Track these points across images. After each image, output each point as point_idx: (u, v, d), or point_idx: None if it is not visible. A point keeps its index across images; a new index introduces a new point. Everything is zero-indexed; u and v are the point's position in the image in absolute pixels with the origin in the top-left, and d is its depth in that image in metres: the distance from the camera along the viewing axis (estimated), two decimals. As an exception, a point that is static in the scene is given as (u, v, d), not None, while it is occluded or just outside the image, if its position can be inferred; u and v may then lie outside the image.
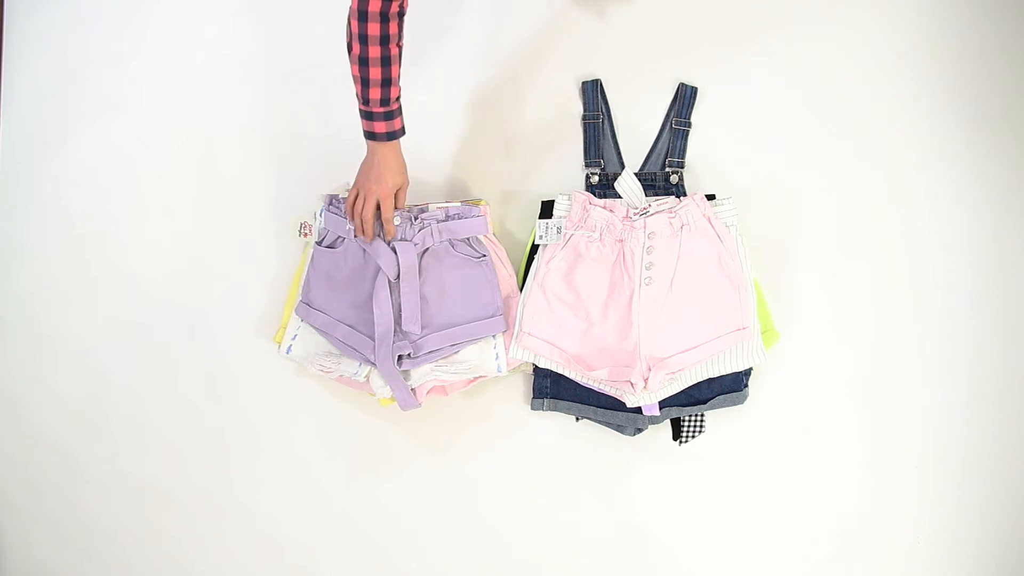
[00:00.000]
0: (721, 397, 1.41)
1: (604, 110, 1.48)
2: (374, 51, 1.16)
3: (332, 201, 1.44)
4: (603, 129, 1.48)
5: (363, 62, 1.18)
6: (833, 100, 1.47)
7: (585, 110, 1.49)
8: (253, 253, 1.58)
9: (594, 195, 1.45)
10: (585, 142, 1.48)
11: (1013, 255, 1.44)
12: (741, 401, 1.42)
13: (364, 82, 1.20)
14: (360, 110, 1.24)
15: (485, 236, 1.43)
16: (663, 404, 1.40)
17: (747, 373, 1.42)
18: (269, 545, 1.60)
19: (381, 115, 1.23)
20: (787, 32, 1.48)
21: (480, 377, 1.44)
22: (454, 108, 1.53)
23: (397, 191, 1.32)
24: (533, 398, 1.46)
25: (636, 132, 1.49)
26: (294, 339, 1.49)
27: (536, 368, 1.46)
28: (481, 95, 1.51)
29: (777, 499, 1.49)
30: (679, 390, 1.38)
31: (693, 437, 1.45)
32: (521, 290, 1.44)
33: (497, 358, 1.42)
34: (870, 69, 1.47)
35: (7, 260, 1.67)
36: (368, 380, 1.41)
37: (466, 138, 1.52)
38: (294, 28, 1.57)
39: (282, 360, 1.54)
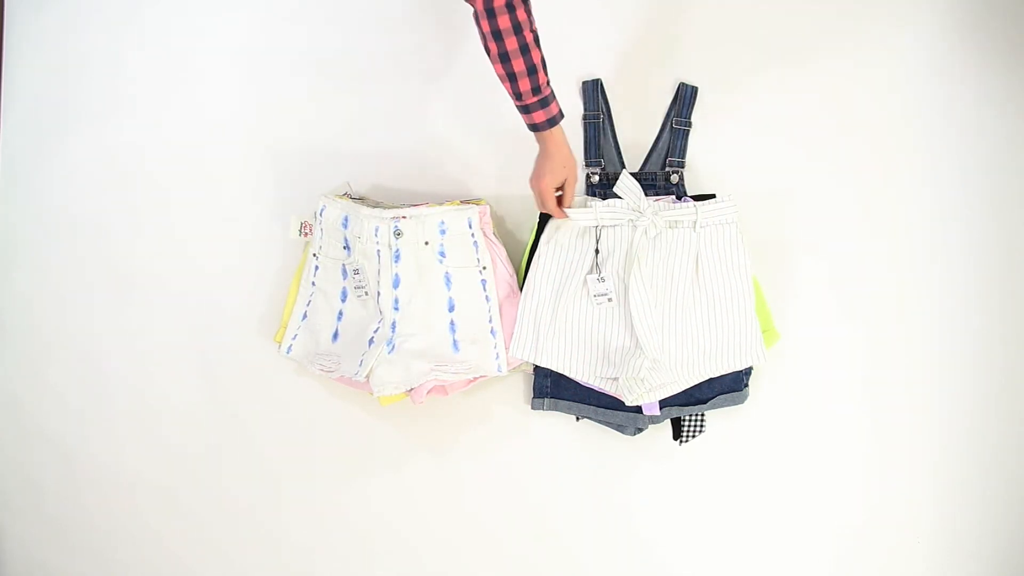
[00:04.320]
0: (721, 397, 1.41)
1: (604, 110, 1.48)
2: (511, 43, 1.16)
3: None
4: (603, 129, 1.48)
5: (504, 58, 1.17)
6: (833, 99, 1.47)
7: (585, 110, 1.49)
8: (253, 253, 1.58)
9: (594, 195, 1.46)
10: (585, 142, 1.48)
11: (1014, 254, 1.44)
12: (741, 401, 1.42)
13: (511, 77, 1.19)
14: (517, 107, 1.24)
15: (485, 236, 1.43)
16: (663, 404, 1.40)
17: (747, 373, 1.42)
18: (268, 545, 1.60)
19: (537, 104, 1.22)
20: (787, 32, 1.48)
21: (480, 377, 1.44)
22: (454, 108, 1.53)
23: (563, 185, 1.33)
24: (533, 398, 1.46)
25: (636, 132, 1.49)
26: (294, 339, 1.49)
27: (536, 368, 1.45)
28: (481, 95, 1.51)
29: (777, 499, 1.49)
30: (679, 390, 1.38)
31: (693, 437, 1.45)
32: (521, 290, 1.44)
33: (497, 358, 1.42)
34: (870, 68, 1.46)
35: (7, 260, 1.67)
36: (368, 380, 1.41)
37: (466, 138, 1.52)
38: (294, 28, 1.57)
39: (282, 360, 1.54)
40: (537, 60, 1.19)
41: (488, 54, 1.20)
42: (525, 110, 1.24)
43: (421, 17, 1.53)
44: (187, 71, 1.61)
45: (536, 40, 1.19)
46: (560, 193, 1.35)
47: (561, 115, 1.26)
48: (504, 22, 1.14)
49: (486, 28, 1.16)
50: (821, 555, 1.49)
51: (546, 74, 1.22)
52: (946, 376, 1.45)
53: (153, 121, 1.61)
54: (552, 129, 1.26)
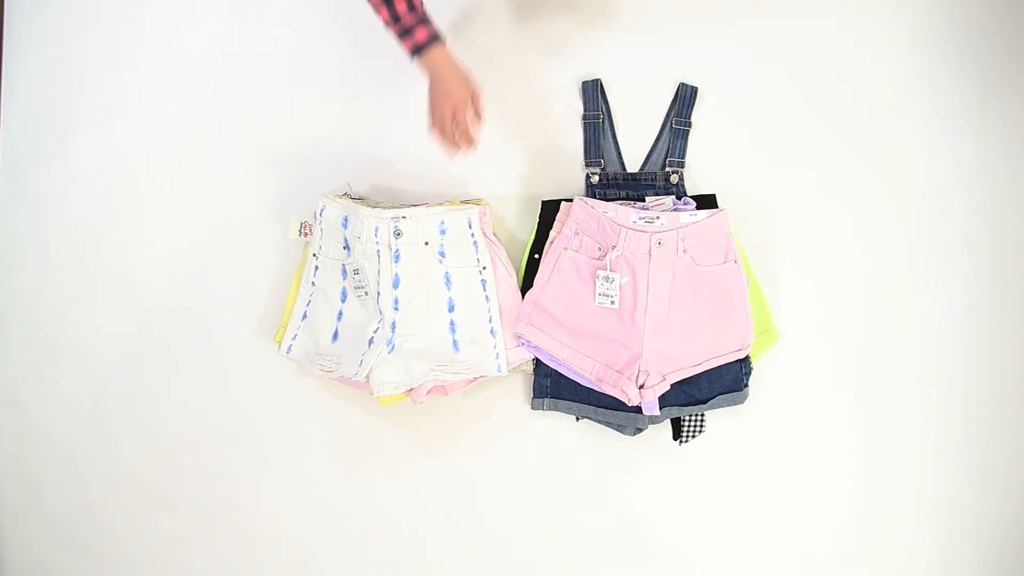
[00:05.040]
0: (721, 397, 1.41)
1: (604, 110, 1.48)
2: None
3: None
4: (603, 129, 1.48)
5: None
6: (833, 100, 1.47)
7: (585, 110, 1.49)
8: (253, 253, 1.58)
9: (594, 195, 1.46)
10: (585, 142, 1.48)
11: (1007, 254, 1.44)
12: (741, 401, 1.42)
13: (388, 0, 1.17)
14: (395, 36, 1.21)
15: (485, 236, 1.43)
16: (663, 404, 1.40)
17: (747, 373, 1.42)
18: (269, 545, 1.60)
19: (416, 23, 1.20)
20: (788, 32, 1.48)
21: (480, 377, 1.44)
22: (454, 108, 1.53)
23: (472, 98, 1.26)
24: (533, 398, 1.46)
25: (636, 132, 1.49)
26: (294, 339, 1.49)
27: (536, 368, 1.46)
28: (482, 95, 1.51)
29: (777, 498, 1.49)
30: (682, 377, 1.39)
31: (693, 437, 1.45)
32: (521, 290, 1.44)
33: (497, 358, 1.42)
34: (871, 69, 1.46)
35: (7, 260, 1.67)
36: (368, 380, 1.41)
37: (466, 138, 1.52)
38: (294, 28, 1.57)
39: (282, 360, 1.54)
40: None
41: None
42: (405, 33, 1.20)
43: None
44: (188, 71, 1.61)
45: None
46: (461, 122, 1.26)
47: (433, 39, 1.21)
48: None
49: None
50: (821, 554, 1.49)
51: (410, 3, 1.18)
52: (943, 375, 1.45)
53: (154, 121, 1.61)
54: (439, 47, 1.21)
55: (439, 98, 1.24)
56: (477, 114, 1.28)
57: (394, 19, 1.19)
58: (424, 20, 1.20)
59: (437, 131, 1.26)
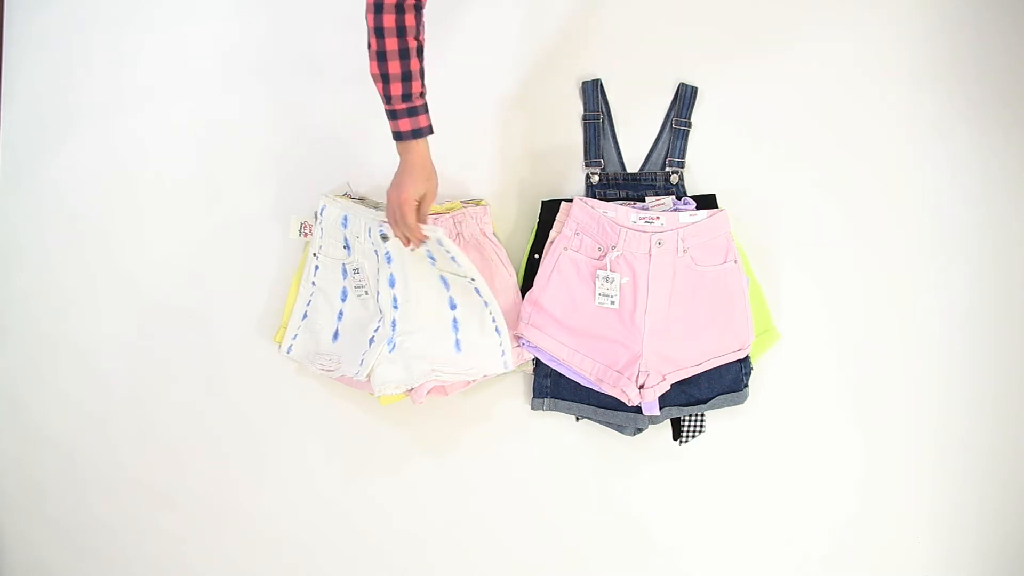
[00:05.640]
0: (721, 397, 1.41)
1: (604, 110, 1.48)
2: (391, 44, 1.14)
3: None
4: (603, 129, 1.48)
5: (381, 57, 1.15)
6: (833, 99, 1.47)
7: (585, 110, 1.49)
8: (253, 253, 1.58)
9: (594, 195, 1.46)
10: (585, 142, 1.48)
11: (1006, 255, 1.44)
12: (741, 401, 1.42)
13: (384, 78, 1.17)
14: (385, 111, 1.21)
15: (485, 236, 1.42)
16: (663, 404, 1.40)
17: (747, 373, 1.42)
18: (268, 545, 1.60)
19: (404, 111, 1.20)
20: (787, 32, 1.47)
21: (481, 377, 1.44)
22: (454, 108, 1.53)
23: (421, 199, 1.25)
24: (533, 398, 1.46)
25: (636, 132, 1.49)
26: (295, 339, 1.49)
27: (536, 368, 1.46)
28: (481, 95, 1.51)
29: (777, 499, 1.49)
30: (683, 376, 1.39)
31: (693, 437, 1.45)
32: (521, 290, 1.44)
33: (503, 354, 1.41)
34: (871, 69, 1.46)
35: (7, 260, 1.67)
36: (368, 380, 1.41)
37: (466, 138, 1.52)
38: (294, 28, 1.57)
39: (282, 360, 1.54)
40: (415, 69, 1.17)
41: (368, 49, 1.17)
42: (392, 115, 1.21)
43: (421, 17, 1.53)
44: (188, 71, 1.61)
45: (419, 50, 1.17)
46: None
47: (430, 131, 1.22)
48: (389, 20, 1.13)
49: (371, 23, 1.14)
50: (821, 554, 1.49)
51: (423, 86, 1.20)
52: (943, 375, 1.45)
53: (154, 121, 1.61)
54: (417, 140, 1.22)
55: (392, 189, 1.26)
56: (421, 215, 1.27)
57: (386, 98, 1.20)
58: (413, 111, 1.20)
59: (400, 211, 1.25)
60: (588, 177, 1.47)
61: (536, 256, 1.45)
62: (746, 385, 1.43)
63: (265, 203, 1.58)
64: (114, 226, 1.62)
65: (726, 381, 1.42)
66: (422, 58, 1.19)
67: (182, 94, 1.61)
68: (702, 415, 1.44)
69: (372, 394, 1.43)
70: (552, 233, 1.43)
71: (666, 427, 1.47)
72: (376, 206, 1.47)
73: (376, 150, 1.54)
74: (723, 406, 1.42)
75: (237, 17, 1.59)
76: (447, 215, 1.41)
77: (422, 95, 1.21)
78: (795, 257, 1.47)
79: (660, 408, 1.39)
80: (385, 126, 1.53)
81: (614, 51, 1.49)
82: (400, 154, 1.25)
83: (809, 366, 1.47)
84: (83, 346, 1.63)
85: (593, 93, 1.48)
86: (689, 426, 1.44)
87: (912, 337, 1.46)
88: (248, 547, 1.60)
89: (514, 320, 1.43)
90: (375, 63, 1.17)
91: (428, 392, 1.42)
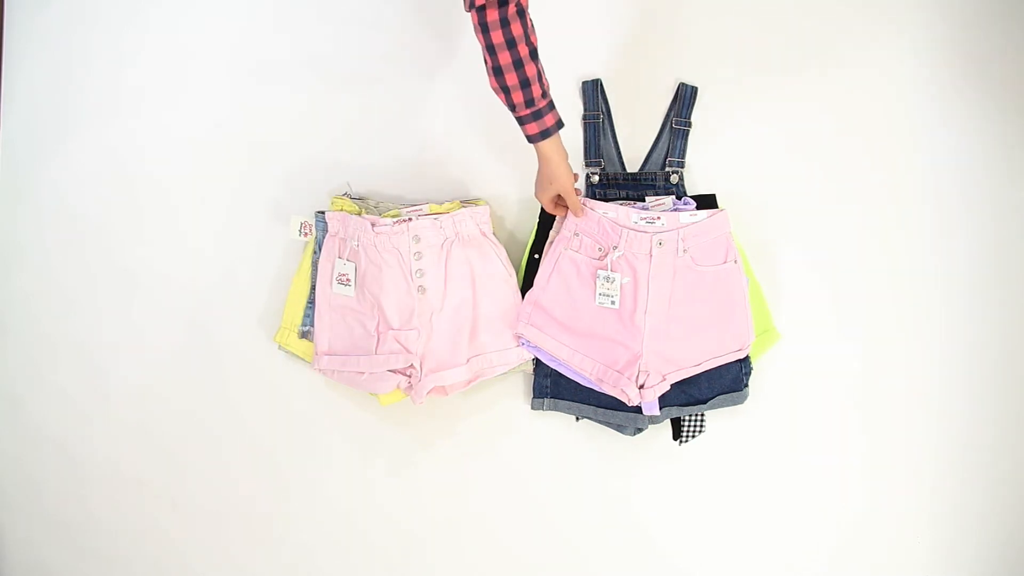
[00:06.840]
0: (721, 397, 1.41)
1: (604, 110, 1.48)
2: (504, 58, 1.16)
3: None
4: (603, 129, 1.48)
5: (497, 72, 1.18)
6: (833, 99, 1.47)
7: (585, 110, 1.49)
8: (253, 253, 1.58)
9: (594, 195, 1.46)
10: (585, 142, 1.48)
11: (1011, 257, 1.44)
12: (741, 401, 1.42)
13: (505, 90, 1.19)
14: (522, 118, 1.23)
15: (485, 236, 1.42)
16: (663, 404, 1.40)
17: (747, 373, 1.42)
18: (269, 545, 1.60)
19: (529, 116, 1.22)
20: (787, 31, 1.48)
21: (480, 377, 1.44)
22: (454, 108, 1.53)
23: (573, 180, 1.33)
24: (533, 398, 1.46)
25: (636, 132, 1.49)
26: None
27: (536, 368, 1.46)
28: (481, 95, 1.51)
29: (777, 499, 1.49)
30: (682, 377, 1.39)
31: (693, 437, 1.45)
32: (521, 290, 1.44)
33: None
34: (871, 69, 1.47)
35: (7, 260, 1.67)
36: (369, 380, 1.41)
37: (466, 138, 1.52)
38: (295, 28, 1.57)
39: (282, 360, 1.54)
40: (531, 74, 1.18)
41: (484, 64, 1.20)
42: (520, 121, 1.23)
43: (418, 18, 1.53)
44: (188, 71, 1.61)
45: (532, 53, 1.18)
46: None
47: (558, 125, 1.25)
48: (497, 37, 1.14)
49: (482, 42, 1.16)
50: (821, 554, 1.49)
51: (542, 86, 1.21)
52: (944, 375, 1.45)
53: (154, 121, 1.61)
54: (545, 141, 1.24)
55: (545, 183, 1.31)
56: (569, 202, 1.35)
57: (511, 107, 1.21)
58: (538, 114, 1.22)
59: (548, 206, 1.36)
60: (588, 177, 1.47)
61: (536, 256, 1.45)
62: (746, 385, 1.43)
63: (265, 203, 1.58)
64: (114, 226, 1.62)
65: (726, 381, 1.42)
66: (537, 59, 1.20)
67: (182, 94, 1.61)
68: (702, 415, 1.44)
69: (372, 394, 1.43)
70: (552, 233, 1.43)
71: (666, 427, 1.47)
72: (378, 205, 1.47)
73: (377, 151, 1.55)
74: (723, 406, 1.42)
75: (237, 17, 1.59)
76: (447, 215, 1.41)
77: (544, 95, 1.22)
78: (795, 257, 1.47)
79: (660, 408, 1.39)
80: (384, 126, 1.55)
81: (614, 51, 1.49)
82: (544, 151, 1.27)
83: (809, 366, 1.47)
84: (83, 346, 1.63)
85: (593, 93, 1.48)
86: (689, 426, 1.44)
87: (912, 337, 1.46)
88: (248, 547, 1.60)
89: (514, 320, 1.43)
90: (493, 78, 1.20)
91: (428, 392, 1.42)
